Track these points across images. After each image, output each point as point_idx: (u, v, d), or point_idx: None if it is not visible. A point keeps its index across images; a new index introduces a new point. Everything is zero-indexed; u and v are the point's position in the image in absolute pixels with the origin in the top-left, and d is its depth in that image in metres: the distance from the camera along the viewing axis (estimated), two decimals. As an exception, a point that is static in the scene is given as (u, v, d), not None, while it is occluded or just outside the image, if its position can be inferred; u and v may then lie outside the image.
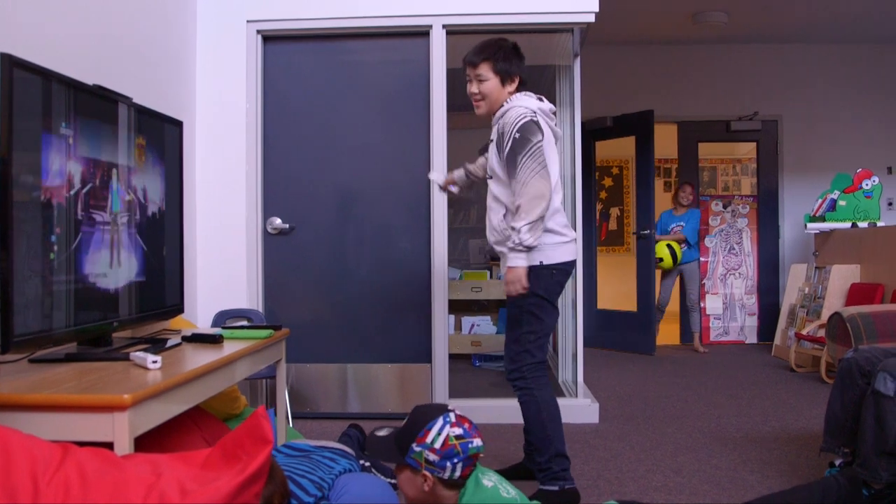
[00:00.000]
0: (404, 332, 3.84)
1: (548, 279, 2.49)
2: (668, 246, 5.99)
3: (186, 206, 3.52)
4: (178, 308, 2.68)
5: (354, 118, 3.91)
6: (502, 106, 2.53)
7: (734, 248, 6.39)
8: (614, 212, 7.72)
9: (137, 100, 2.35)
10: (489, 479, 1.88)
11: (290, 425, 3.42)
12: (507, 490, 1.87)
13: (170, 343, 2.28)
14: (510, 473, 2.75)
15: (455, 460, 1.84)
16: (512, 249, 2.39)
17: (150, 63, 3.32)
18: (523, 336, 2.49)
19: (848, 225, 5.34)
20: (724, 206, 6.56)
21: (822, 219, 5.49)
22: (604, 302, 6.69)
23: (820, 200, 5.59)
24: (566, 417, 3.78)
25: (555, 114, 2.66)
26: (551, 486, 2.46)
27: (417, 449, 1.84)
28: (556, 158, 2.61)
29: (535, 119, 2.45)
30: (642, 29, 5.92)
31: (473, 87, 2.56)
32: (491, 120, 2.62)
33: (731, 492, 2.71)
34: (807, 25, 5.87)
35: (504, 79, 2.53)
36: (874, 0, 5.34)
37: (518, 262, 2.38)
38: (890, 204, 6.28)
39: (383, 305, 3.86)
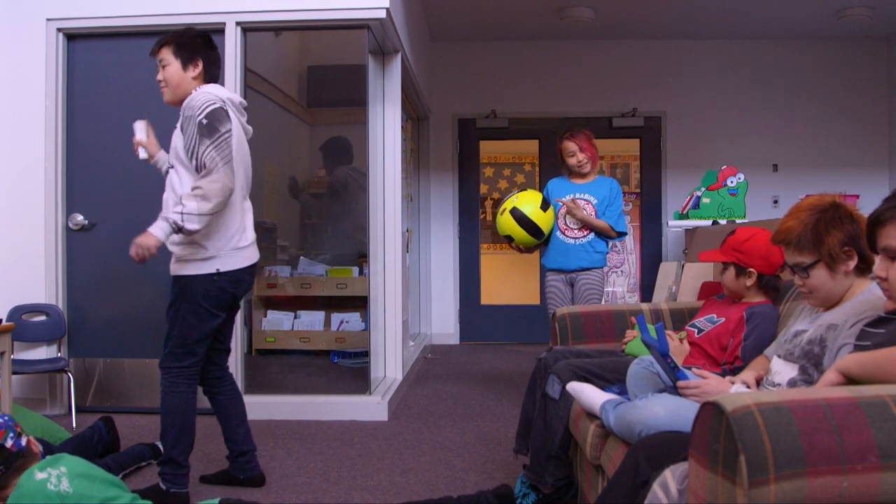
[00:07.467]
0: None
1: (208, 285, 2.45)
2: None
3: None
4: None
5: (158, 116, 3.91)
6: (191, 95, 2.48)
7: (616, 246, 6.31)
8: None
9: None
10: (46, 472, 1.86)
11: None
12: (59, 483, 1.85)
13: None
14: (214, 479, 2.73)
15: None
16: (166, 221, 2.30)
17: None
18: (175, 340, 2.47)
19: (710, 223, 5.26)
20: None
21: (687, 216, 5.42)
22: (507, 298, 6.73)
23: (688, 197, 5.52)
24: (357, 415, 3.82)
25: (246, 109, 2.65)
26: (161, 484, 2.49)
27: None
28: (245, 154, 2.61)
29: (224, 108, 2.44)
30: (511, 26, 5.85)
31: (159, 75, 2.55)
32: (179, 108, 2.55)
33: (438, 493, 2.70)
34: (676, 21, 5.77)
35: (186, 62, 2.51)
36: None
37: (159, 235, 2.30)
38: (775, 202, 6.17)
39: (181, 302, 3.90)
